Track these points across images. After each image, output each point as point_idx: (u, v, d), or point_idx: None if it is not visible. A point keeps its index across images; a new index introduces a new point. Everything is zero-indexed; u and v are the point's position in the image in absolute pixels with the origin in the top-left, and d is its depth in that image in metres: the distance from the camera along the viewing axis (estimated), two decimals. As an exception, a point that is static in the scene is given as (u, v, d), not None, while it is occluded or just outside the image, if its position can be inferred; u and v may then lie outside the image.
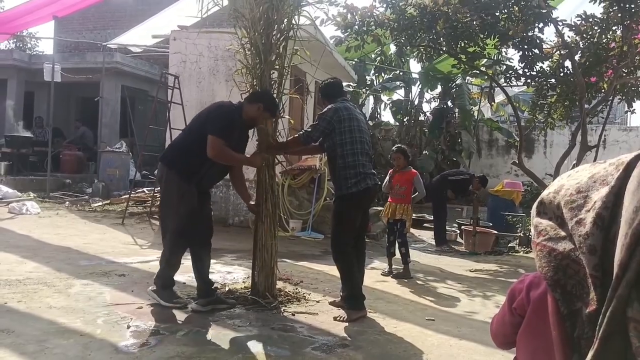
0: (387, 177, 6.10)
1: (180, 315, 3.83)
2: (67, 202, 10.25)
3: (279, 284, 4.59)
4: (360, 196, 4.16)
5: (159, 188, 9.52)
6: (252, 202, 4.36)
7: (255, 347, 3.30)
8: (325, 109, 4.24)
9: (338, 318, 3.98)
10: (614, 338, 0.82)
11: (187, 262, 4.11)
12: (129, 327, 3.51)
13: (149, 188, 11.09)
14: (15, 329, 3.32)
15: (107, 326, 3.50)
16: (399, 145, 6.45)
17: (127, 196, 9.56)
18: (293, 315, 4.02)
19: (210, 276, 4.19)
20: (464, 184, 8.42)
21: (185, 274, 4.46)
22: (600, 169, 0.98)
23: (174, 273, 4.12)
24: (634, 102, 8.94)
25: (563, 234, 1.00)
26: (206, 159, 3.86)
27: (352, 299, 4.11)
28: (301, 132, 4.32)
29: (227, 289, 4.56)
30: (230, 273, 5.10)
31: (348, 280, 4.16)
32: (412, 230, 9.88)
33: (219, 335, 3.46)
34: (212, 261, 4.24)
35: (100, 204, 10.21)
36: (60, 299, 4.05)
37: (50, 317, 3.61)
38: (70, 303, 3.95)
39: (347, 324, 3.90)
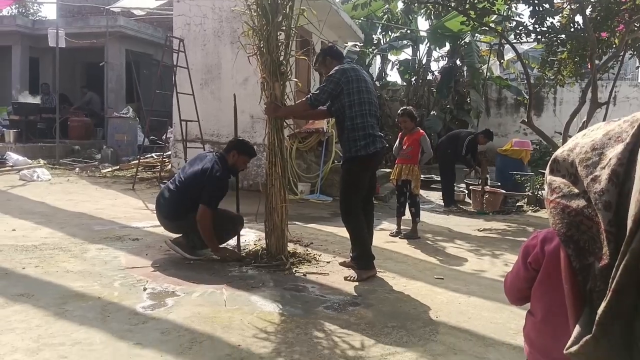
0: (397, 141, 6.11)
1: (195, 277, 3.91)
2: (77, 169, 10.34)
3: (290, 246, 4.67)
4: (369, 159, 4.17)
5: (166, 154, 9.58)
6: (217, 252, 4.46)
7: (269, 306, 3.38)
8: (333, 71, 4.19)
9: (348, 278, 4.05)
10: (627, 291, 0.84)
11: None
12: (145, 289, 3.60)
13: (157, 153, 11.14)
14: (35, 292, 3.42)
15: (124, 289, 3.59)
16: (405, 107, 6.40)
17: (137, 162, 9.62)
18: (305, 275, 4.10)
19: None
20: (470, 143, 8.34)
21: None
22: (615, 126, 0.99)
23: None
24: (646, 57, 8.79)
25: (577, 191, 1.01)
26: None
27: (362, 259, 4.17)
28: (308, 96, 4.29)
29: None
30: (242, 236, 5.16)
31: (357, 241, 4.21)
32: (420, 191, 9.94)
33: (233, 295, 3.54)
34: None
35: (109, 169, 10.30)
36: (77, 263, 4.14)
37: (68, 281, 3.70)
38: (87, 267, 4.04)
39: (357, 283, 3.97)
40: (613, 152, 0.94)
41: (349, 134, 4.14)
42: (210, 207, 4.26)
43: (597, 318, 0.87)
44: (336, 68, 4.18)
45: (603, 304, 0.86)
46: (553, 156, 1.11)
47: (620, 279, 0.84)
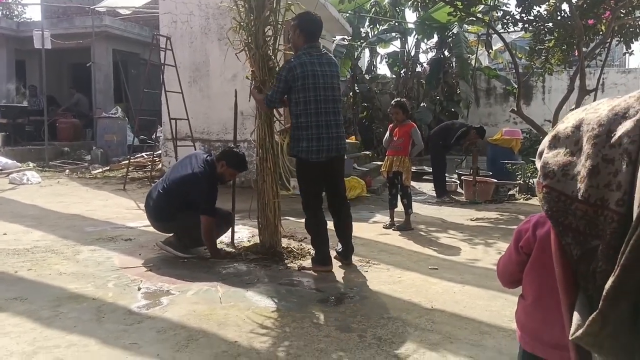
0: (388, 132, 6.11)
1: (189, 275, 3.90)
2: (67, 170, 10.27)
3: (284, 241, 4.66)
4: (313, 165, 4.06)
5: (156, 154, 9.52)
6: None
7: (265, 302, 3.38)
8: (281, 67, 4.10)
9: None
10: (636, 267, 0.83)
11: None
12: (139, 289, 3.59)
13: (147, 152, 11.08)
14: (28, 296, 3.39)
15: (118, 289, 3.57)
16: (398, 99, 6.42)
17: (127, 162, 9.57)
18: (299, 270, 4.10)
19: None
20: (462, 135, 8.36)
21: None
22: (621, 101, 0.96)
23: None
24: (632, 43, 8.82)
25: (571, 174, 0.99)
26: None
27: (318, 258, 4.15)
28: (264, 98, 4.13)
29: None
30: (235, 232, 5.15)
31: (313, 238, 4.21)
32: (412, 182, 9.96)
33: (229, 292, 3.54)
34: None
35: (100, 170, 10.24)
36: (70, 265, 4.12)
37: (61, 283, 3.67)
38: (80, 269, 4.02)
39: (354, 276, 4.00)
40: (622, 130, 0.90)
41: (294, 132, 4.08)
42: (211, 215, 4.24)
43: (604, 293, 0.86)
44: (284, 64, 4.05)
45: (611, 279, 0.85)
46: (554, 132, 1.07)
47: (630, 255, 0.83)
